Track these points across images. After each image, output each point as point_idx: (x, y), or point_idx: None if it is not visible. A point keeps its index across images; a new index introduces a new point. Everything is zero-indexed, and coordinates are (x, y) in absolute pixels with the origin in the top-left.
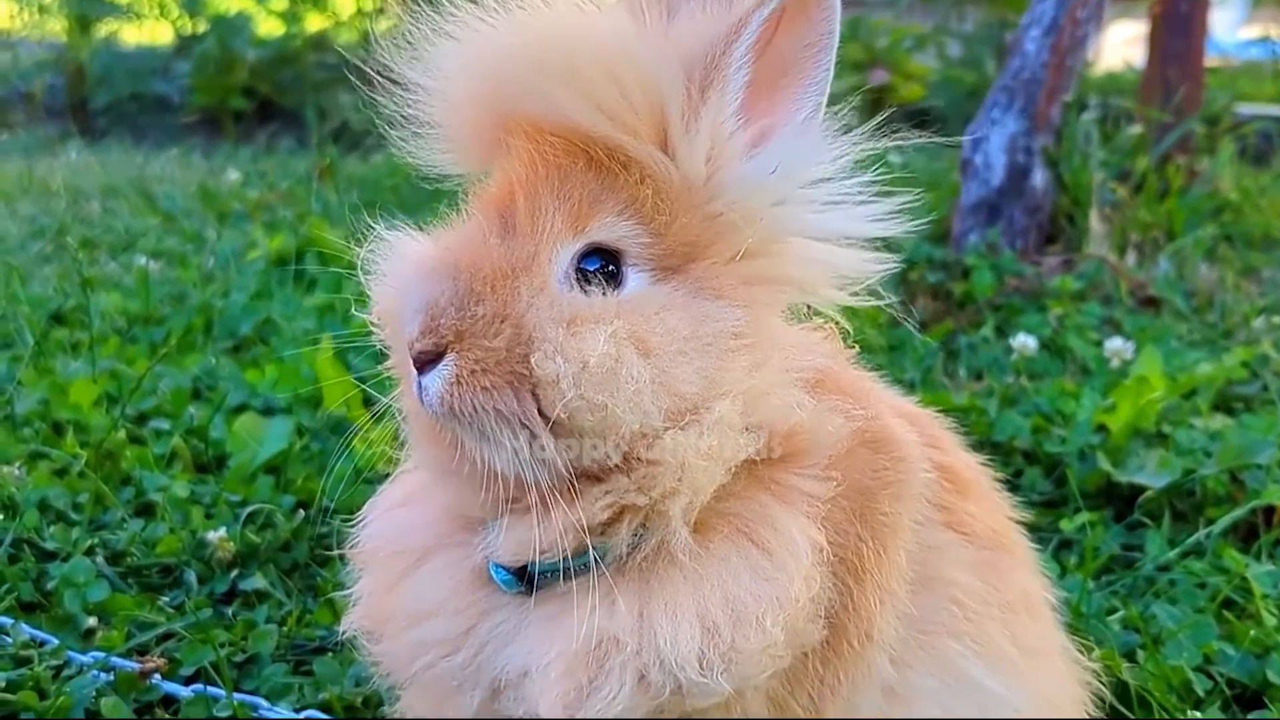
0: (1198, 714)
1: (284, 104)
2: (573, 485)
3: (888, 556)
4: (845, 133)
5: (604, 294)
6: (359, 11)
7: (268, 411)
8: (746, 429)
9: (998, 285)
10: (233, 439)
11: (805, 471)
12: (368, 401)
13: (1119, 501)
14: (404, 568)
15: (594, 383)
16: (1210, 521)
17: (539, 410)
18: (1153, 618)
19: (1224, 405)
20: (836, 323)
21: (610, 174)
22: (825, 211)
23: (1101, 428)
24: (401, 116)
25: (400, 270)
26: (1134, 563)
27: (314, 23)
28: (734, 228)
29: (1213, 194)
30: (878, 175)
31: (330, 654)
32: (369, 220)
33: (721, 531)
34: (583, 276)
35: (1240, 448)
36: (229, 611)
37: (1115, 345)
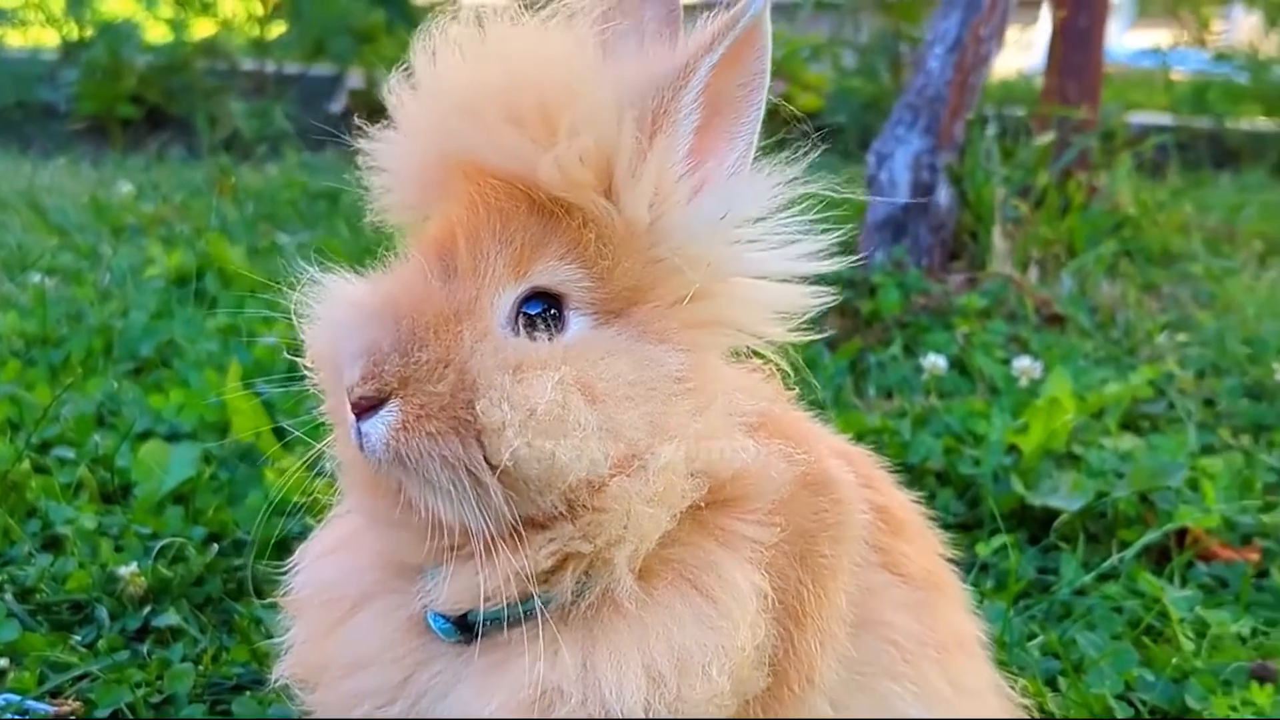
0: None
1: (173, 111)
2: (517, 532)
3: (828, 599)
4: (776, 169)
5: (548, 338)
6: (249, 17)
7: (173, 437)
8: (691, 474)
9: (905, 303)
10: (138, 467)
11: (749, 516)
12: (278, 429)
13: (1033, 523)
14: (338, 616)
15: (540, 430)
16: (1123, 543)
17: (484, 457)
18: (1072, 643)
19: (1131, 424)
20: (775, 363)
21: (553, 217)
22: (765, 251)
23: (1013, 448)
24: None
25: (336, 313)
26: (1049, 586)
27: (202, 28)
28: (677, 271)
29: (1112, 209)
30: (809, 208)
31: (249, 693)
32: (304, 265)
33: (666, 579)
34: (525, 321)
35: (1151, 469)
36: (143, 650)
37: (1023, 364)
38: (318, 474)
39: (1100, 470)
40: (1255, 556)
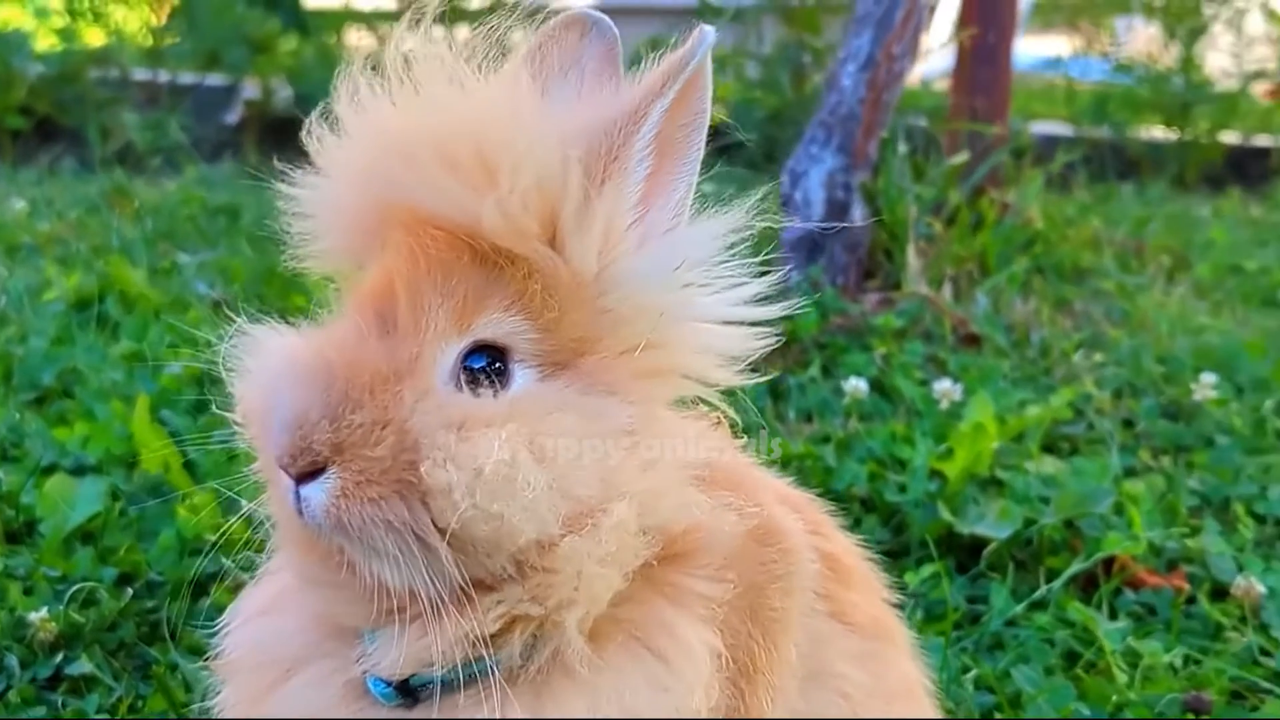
0: None
1: (65, 123)
2: (464, 594)
3: (779, 653)
4: (721, 212)
5: (493, 394)
6: (142, 26)
7: (79, 471)
8: (643, 531)
9: (822, 324)
10: (43, 503)
11: (699, 572)
12: (188, 463)
13: (960, 551)
14: (271, 679)
15: (489, 491)
16: (1050, 570)
17: (431, 519)
18: (1006, 676)
19: (1051, 446)
20: (721, 410)
21: (496, 268)
22: (712, 295)
23: (936, 474)
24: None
25: (267, 368)
26: (979, 617)
27: (93, 38)
28: (625, 321)
29: (1023, 225)
30: (749, 247)
31: None
32: (233, 315)
33: (615, 639)
34: (468, 375)
35: (1077, 495)
36: (56, 700)
37: (944, 386)
38: (232, 512)
39: (1025, 496)
40: (1181, 583)
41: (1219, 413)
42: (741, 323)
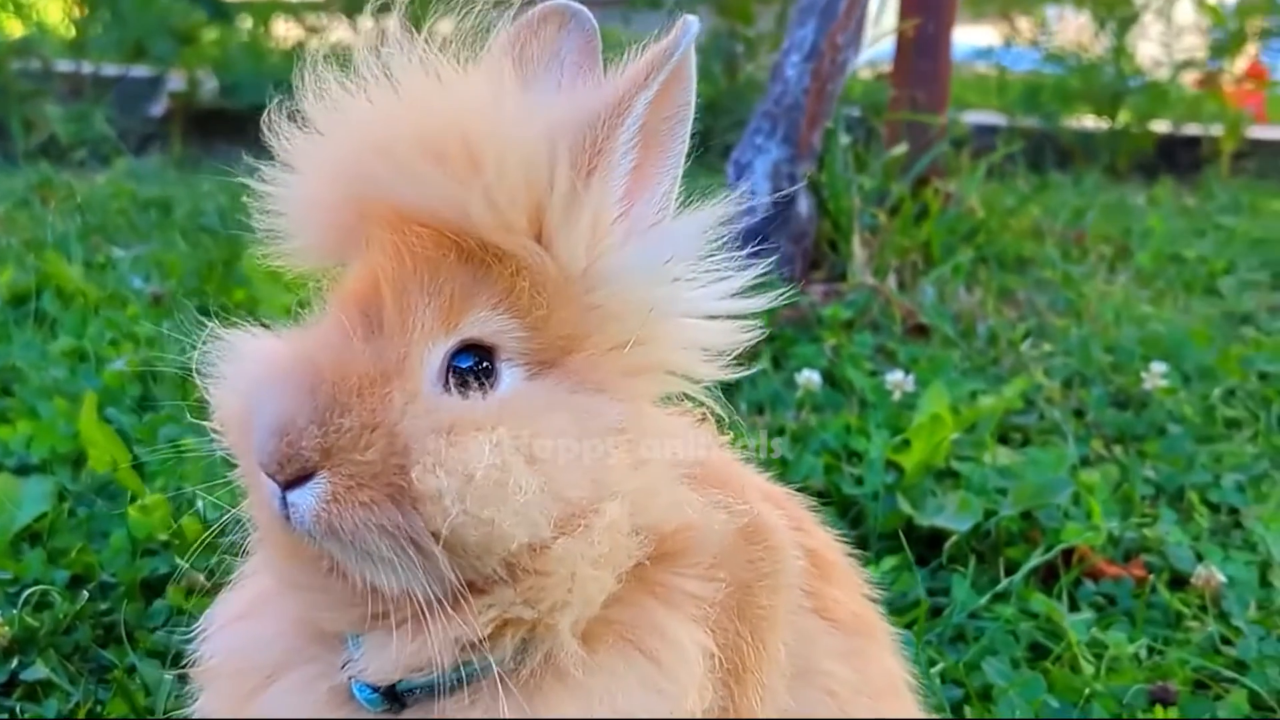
0: None
1: None
2: (456, 598)
3: (767, 652)
4: (707, 204)
5: (482, 394)
6: (64, 17)
7: (23, 471)
8: (635, 531)
9: (770, 315)
10: None
11: (689, 571)
12: (136, 462)
13: (919, 543)
14: (252, 686)
15: (480, 497)
16: (1010, 562)
17: (423, 524)
18: (973, 669)
19: (1003, 437)
20: (708, 406)
21: (483, 265)
22: (699, 290)
23: (892, 465)
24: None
25: (246, 373)
26: (939, 609)
27: (14, 29)
28: (613, 317)
29: (965, 216)
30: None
31: None
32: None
33: (606, 641)
34: (456, 376)
35: (1036, 486)
36: (13, 706)
37: (896, 377)
38: (184, 513)
39: (983, 488)
40: (1141, 573)
41: (1169, 401)
42: (727, 316)
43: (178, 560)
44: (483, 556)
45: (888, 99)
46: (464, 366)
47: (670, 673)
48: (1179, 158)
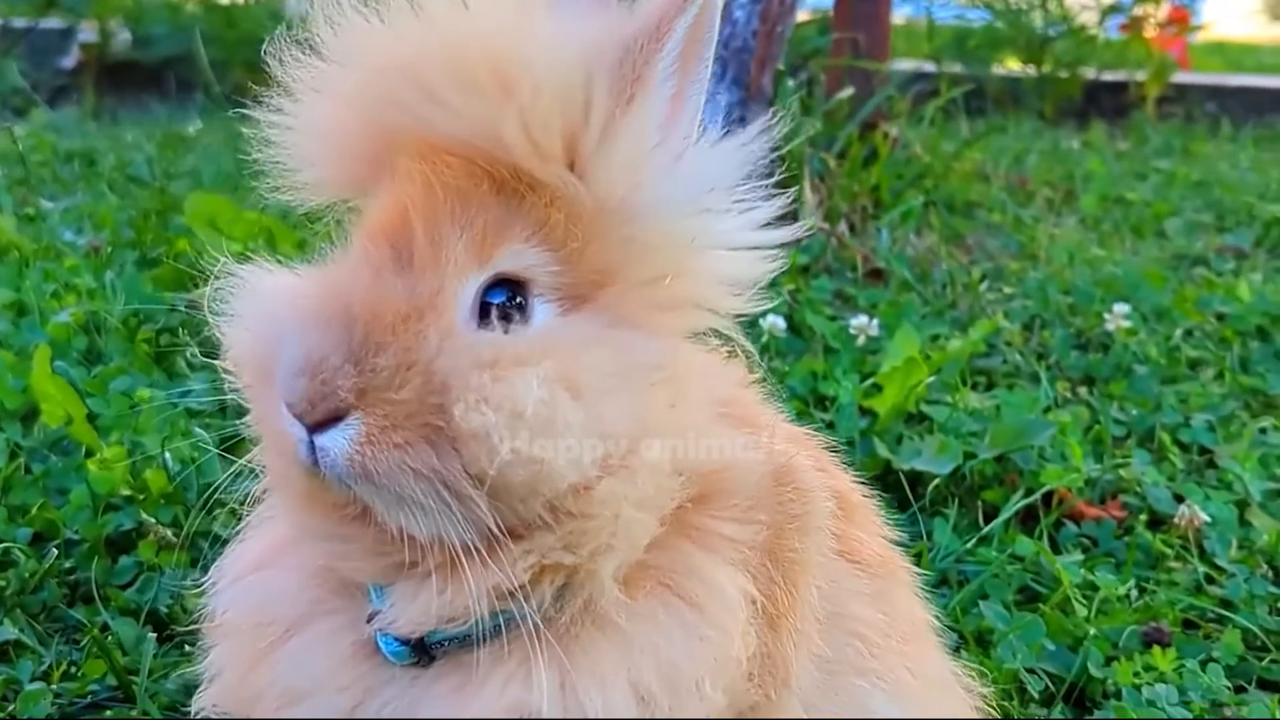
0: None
1: None
2: (492, 544)
3: (800, 596)
4: (738, 134)
5: (515, 331)
6: None
7: None
8: (677, 472)
9: None
10: None
11: (725, 514)
12: (91, 415)
13: (893, 488)
14: (270, 641)
15: (529, 434)
16: (988, 505)
17: (462, 466)
18: (964, 613)
19: (967, 380)
20: (737, 343)
21: (516, 196)
22: (731, 221)
23: (864, 410)
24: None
25: (264, 311)
26: (919, 554)
27: None
28: (650, 250)
29: (911, 160)
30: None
31: (109, 712)
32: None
33: (644, 587)
34: (487, 311)
35: (1015, 429)
36: None
37: (860, 322)
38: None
39: (956, 430)
40: (1120, 514)
41: (1132, 343)
42: (756, 248)
43: (143, 515)
44: (527, 499)
45: (830, 42)
46: (496, 302)
47: (713, 619)
48: (1104, 103)
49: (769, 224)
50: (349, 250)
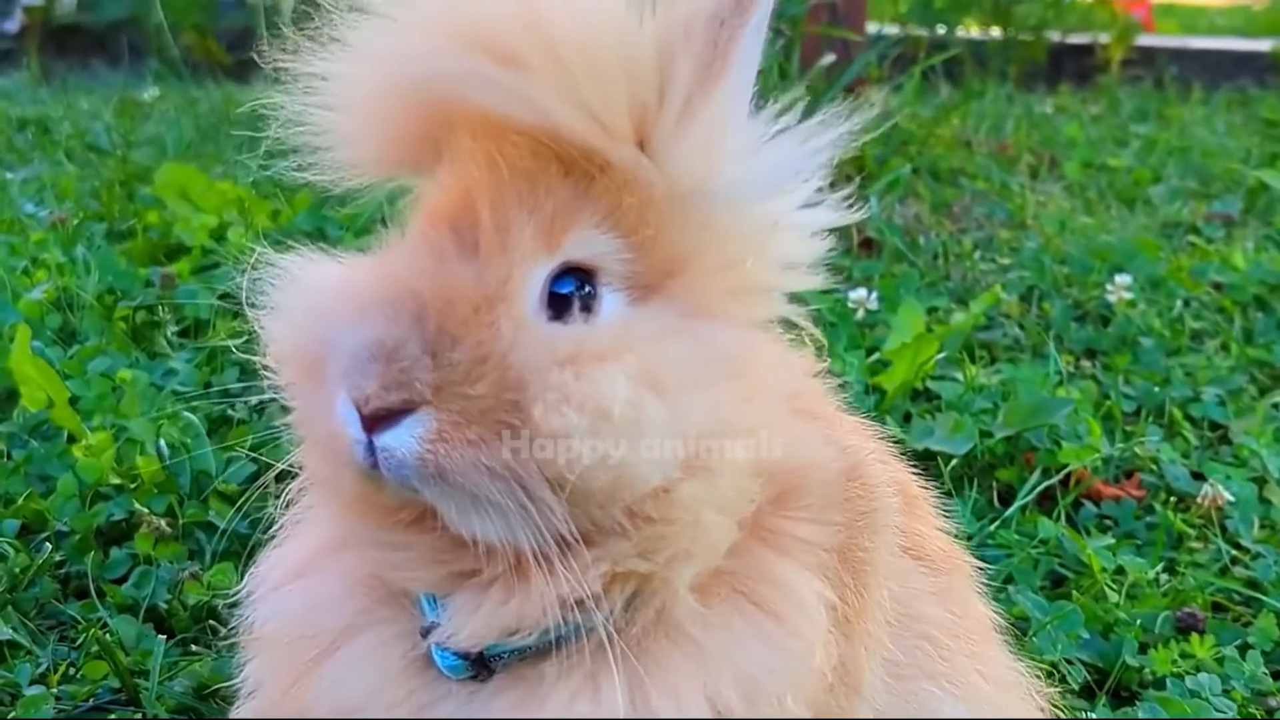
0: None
1: None
2: (563, 549)
3: (870, 598)
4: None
5: (584, 323)
6: None
7: None
8: (756, 472)
9: None
10: None
11: (800, 515)
12: (72, 398)
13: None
14: (314, 654)
15: (614, 436)
16: (1005, 485)
17: (538, 467)
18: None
19: (974, 355)
20: (805, 331)
21: (586, 178)
22: (805, 204)
23: (871, 388)
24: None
25: (314, 305)
26: None
27: None
28: (723, 236)
29: (894, 128)
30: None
31: (113, 716)
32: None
33: (718, 594)
34: (554, 302)
35: (1030, 406)
36: None
37: (859, 295)
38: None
39: (967, 408)
40: (1139, 493)
41: (1133, 314)
42: (822, 230)
43: (135, 505)
44: (606, 504)
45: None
46: (564, 292)
47: (793, 628)
48: (1068, 67)
49: (837, 206)
50: (404, 236)
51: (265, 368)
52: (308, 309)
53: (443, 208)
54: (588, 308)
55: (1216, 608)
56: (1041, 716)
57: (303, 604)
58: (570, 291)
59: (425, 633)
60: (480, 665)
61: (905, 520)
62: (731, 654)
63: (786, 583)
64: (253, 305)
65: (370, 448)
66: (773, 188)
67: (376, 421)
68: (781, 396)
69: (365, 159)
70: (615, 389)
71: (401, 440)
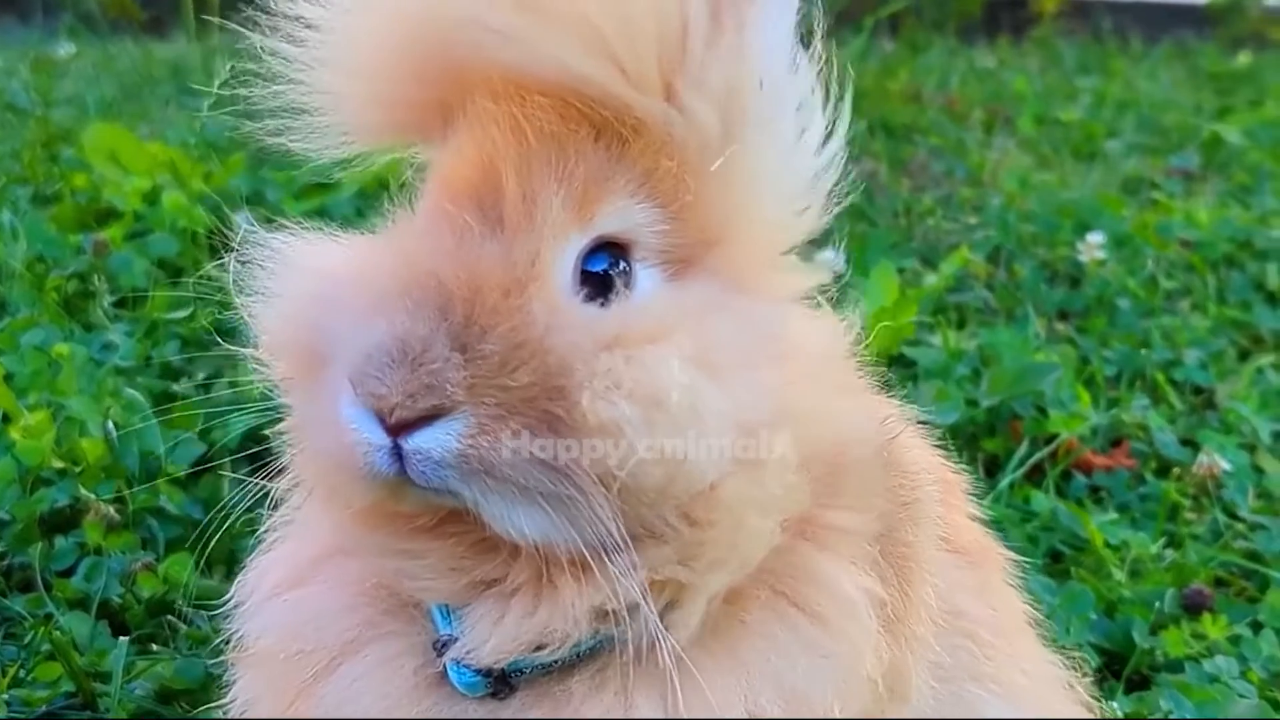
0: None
1: None
2: (599, 554)
3: (915, 595)
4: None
5: (623, 300)
6: None
7: None
8: (802, 465)
9: None
10: None
11: (838, 502)
12: (8, 376)
13: None
14: (314, 671)
15: (671, 427)
16: (990, 456)
17: (587, 464)
18: None
19: (950, 319)
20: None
21: (620, 142)
22: (821, 153)
23: None
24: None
25: (312, 291)
26: None
27: None
28: (764, 199)
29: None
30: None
31: None
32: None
33: (757, 597)
34: (587, 279)
35: (1014, 373)
36: None
37: (826, 256)
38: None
39: (947, 374)
40: (1130, 463)
41: (1106, 274)
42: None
43: (80, 490)
44: (657, 503)
45: None
46: (597, 270)
47: (838, 632)
48: (1002, 20)
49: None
50: (417, 212)
51: (258, 360)
52: (304, 296)
53: (462, 178)
54: (624, 285)
55: (1218, 582)
56: (1085, 714)
57: (299, 616)
58: (604, 269)
59: (440, 647)
60: (500, 682)
61: (941, 510)
62: (774, 664)
63: (830, 581)
64: (241, 291)
65: (395, 452)
66: (807, 144)
67: (404, 426)
68: (827, 375)
69: (361, 124)
70: (671, 374)
71: (437, 440)
